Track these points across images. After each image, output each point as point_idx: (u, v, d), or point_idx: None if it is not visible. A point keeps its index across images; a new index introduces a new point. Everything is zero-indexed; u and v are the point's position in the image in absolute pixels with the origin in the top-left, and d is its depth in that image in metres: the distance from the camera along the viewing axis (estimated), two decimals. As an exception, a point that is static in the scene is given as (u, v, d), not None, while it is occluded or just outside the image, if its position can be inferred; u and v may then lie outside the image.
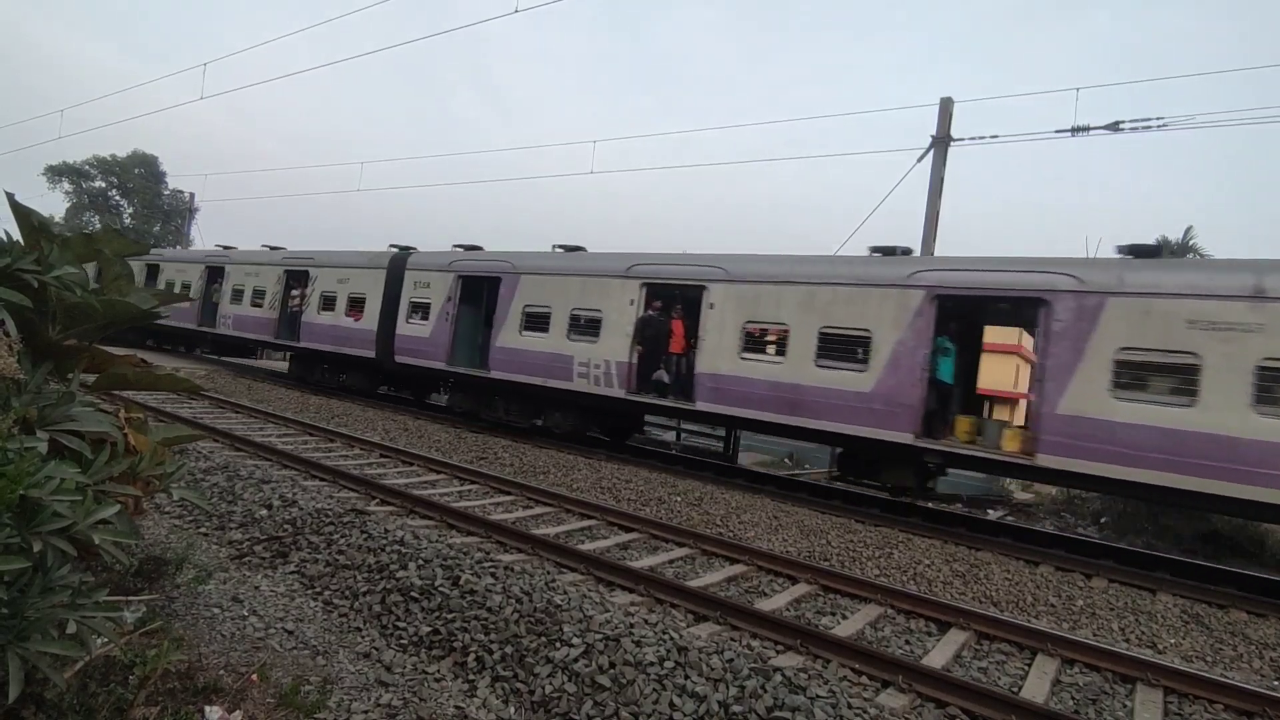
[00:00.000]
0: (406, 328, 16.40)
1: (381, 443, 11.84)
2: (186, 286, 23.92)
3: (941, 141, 14.93)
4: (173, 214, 50.76)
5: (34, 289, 3.15)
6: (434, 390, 19.45)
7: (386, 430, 13.56)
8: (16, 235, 3.45)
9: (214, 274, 23.28)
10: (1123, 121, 13.25)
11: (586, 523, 8.44)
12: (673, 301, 12.89)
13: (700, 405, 11.84)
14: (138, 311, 3.68)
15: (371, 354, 17.17)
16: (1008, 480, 15.73)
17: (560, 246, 14.93)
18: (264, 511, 7.12)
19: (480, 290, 15.76)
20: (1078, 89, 14.53)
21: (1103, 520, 13.75)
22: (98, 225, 47.13)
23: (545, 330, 13.81)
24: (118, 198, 51.28)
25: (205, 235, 42.54)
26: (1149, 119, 13.05)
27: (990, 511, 13.68)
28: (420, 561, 5.79)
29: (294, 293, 20.01)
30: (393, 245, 18.22)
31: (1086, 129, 13.59)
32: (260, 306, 20.82)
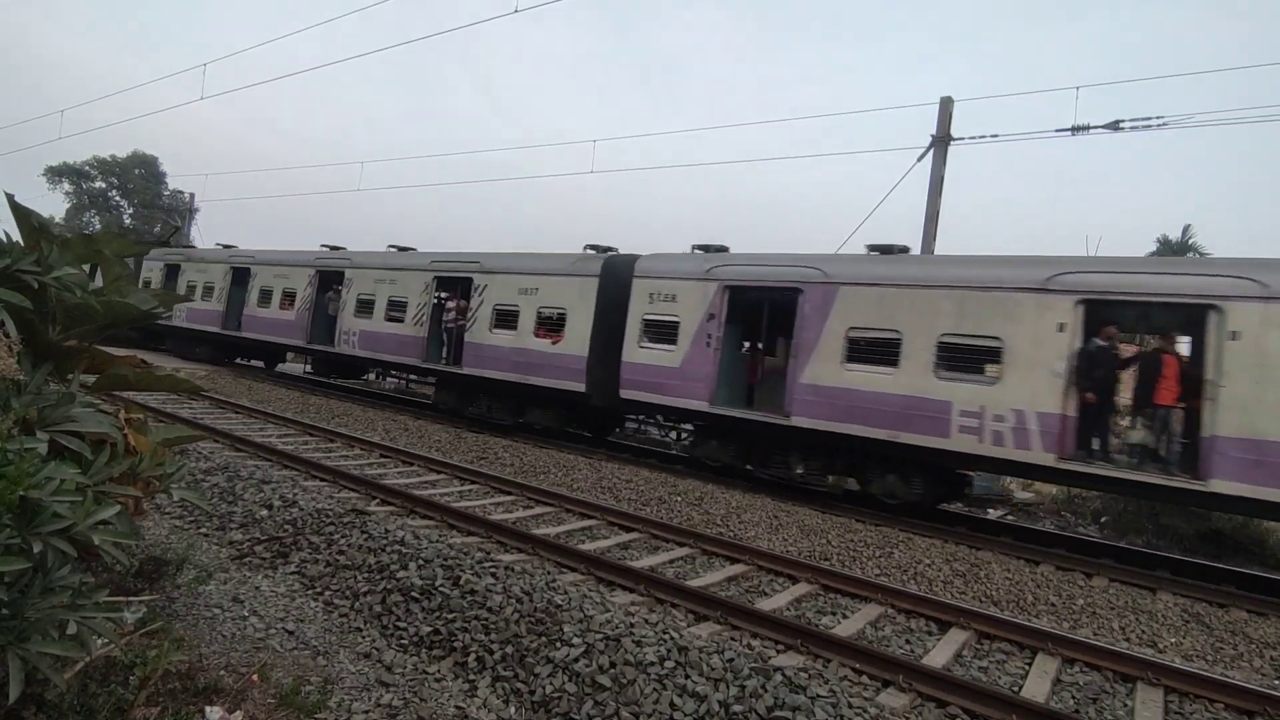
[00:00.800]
0: (641, 354, 12.44)
1: (382, 443, 11.85)
2: (289, 295, 19.66)
3: (941, 141, 14.92)
4: (173, 214, 50.79)
5: (34, 290, 3.15)
6: (618, 425, 16.19)
7: (387, 430, 13.56)
8: (16, 236, 3.45)
9: (328, 280, 19.04)
10: (1123, 121, 13.25)
11: (587, 523, 8.44)
12: (1142, 327, 9.59)
13: (1226, 486, 7.87)
14: (138, 312, 3.68)
15: (579, 386, 13.24)
16: (1007, 479, 15.66)
17: (874, 248, 11.20)
18: (264, 512, 7.12)
19: (755, 305, 12.32)
20: (1078, 88, 14.55)
21: (1103, 520, 13.75)
22: (98, 226, 47.20)
23: (891, 364, 10.02)
24: (118, 198, 51.34)
25: (205, 235, 42.52)
26: (1149, 118, 13.06)
27: (990, 511, 13.67)
28: (421, 561, 5.79)
29: (449, 305, 15.92)
30: (590, 246, 14.34)
31: (1086, 128, 13.58)
32: (400, 321, 16.54)
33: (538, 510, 8.81)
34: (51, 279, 3.18)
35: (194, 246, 26.56)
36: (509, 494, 9.43)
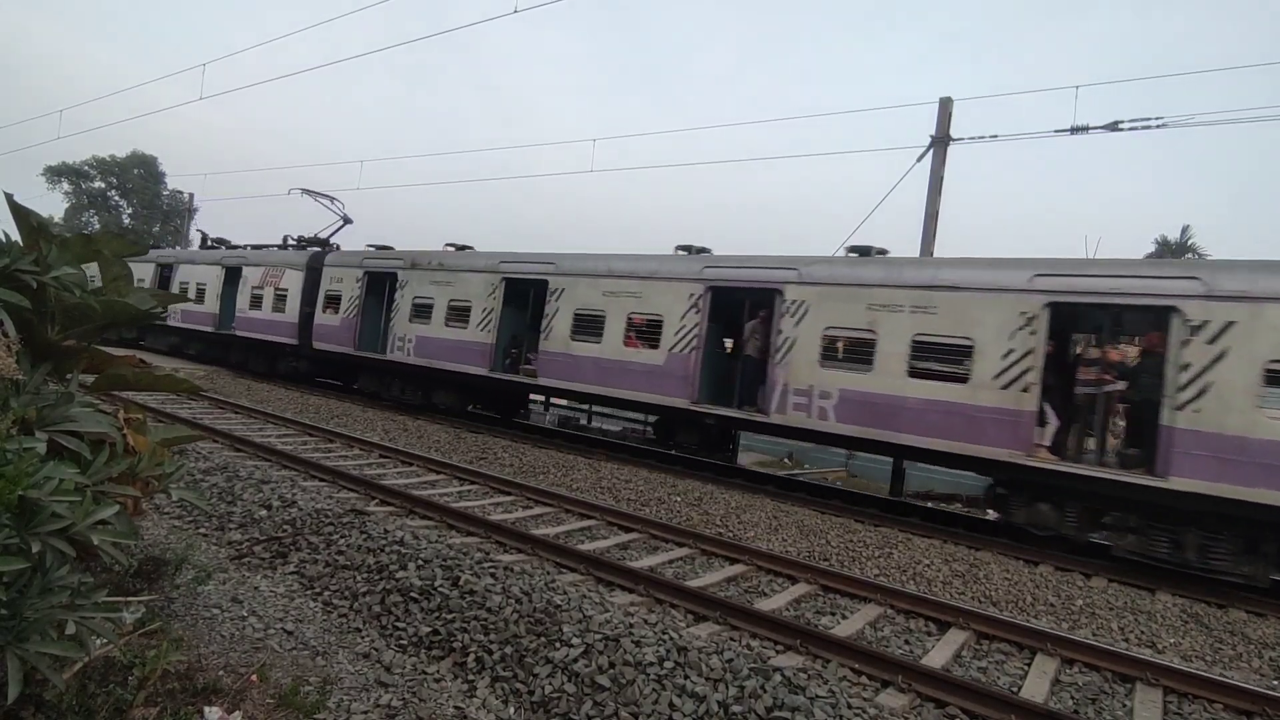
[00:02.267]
0: None
1: (381, 443, 11.84)
2: (650, 324, 12.59)
3: (941, 141, 14.92)
4: (172, 214, 50.87)
5: (33, 289, 3.15)
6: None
7: (386, 430, 13.56)
8: (16, 236, 3.45)
9: (723, 302, 12.20)
10: (1122, 121, 13.24)
11: (586, 523, 8.44)
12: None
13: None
14: (137, 312, 3.68)
15: None
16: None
17: None
18: (263, 512, 7.12)
19: None
20: (1077, 87, 14.50)
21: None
22: (97, 225, 47.26)
23: None
24: (117, 198, 51.41)
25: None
26: (1148, 119, 13.06)
27: (989, 511, 13.67)
28: (420, 562, 5.79)
29: (1092, 357, 10.16)
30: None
31: (1086, 128, 13.58)
32: (959, 382, 9.51)
33: (537, 510, 8.80)
34: (50, 279, 3.18)
35: (390, 247, 18.36)
36: (508, 494, 9.43)
